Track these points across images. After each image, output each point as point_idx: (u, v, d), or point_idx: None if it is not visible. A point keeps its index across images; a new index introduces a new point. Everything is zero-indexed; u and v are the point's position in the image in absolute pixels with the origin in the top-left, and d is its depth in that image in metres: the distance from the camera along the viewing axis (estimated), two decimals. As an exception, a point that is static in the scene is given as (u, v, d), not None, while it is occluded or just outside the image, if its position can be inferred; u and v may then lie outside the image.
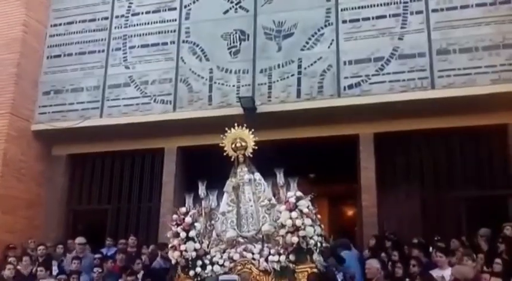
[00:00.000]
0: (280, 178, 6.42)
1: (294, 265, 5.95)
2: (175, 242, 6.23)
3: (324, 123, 9.45)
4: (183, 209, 6.45)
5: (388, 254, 7.56)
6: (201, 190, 6.72)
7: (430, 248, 7.59)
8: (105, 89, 10.58)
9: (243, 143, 6.82)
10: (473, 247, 7.23)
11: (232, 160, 6.88)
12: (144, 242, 9.58)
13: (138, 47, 10.65)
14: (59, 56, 11.14)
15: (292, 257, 5.96)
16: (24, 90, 10.67)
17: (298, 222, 5.86)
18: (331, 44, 9.56)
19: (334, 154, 9.82)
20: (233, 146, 6.85)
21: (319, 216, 6.37)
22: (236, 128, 6.87)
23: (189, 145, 10.42)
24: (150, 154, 10.75)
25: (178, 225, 6.29)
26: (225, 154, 6.82)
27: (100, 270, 8.11)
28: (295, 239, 5.86)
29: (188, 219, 6.27)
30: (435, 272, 6.64)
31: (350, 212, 13.97)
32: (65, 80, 10.91)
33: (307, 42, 9.69)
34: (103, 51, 10.85)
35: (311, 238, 5.96)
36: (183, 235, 6.17)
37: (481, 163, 9.17)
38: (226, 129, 6.85)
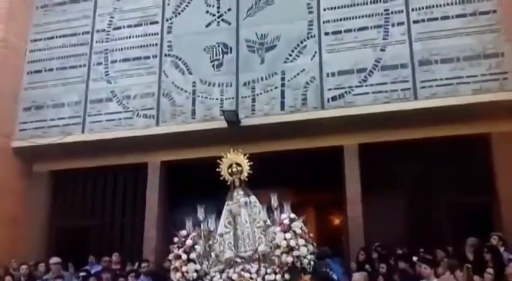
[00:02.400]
0: (275, 201, 6.78)
1: None
2: (177, 263, 6.58)
3: (308, 135, 9.44)
4: (184, 232, 6.83)
5: (374, 266, 7.52)
6: (200, 213, 7.04)
7: (415, 259, 7.57)
8: (87, 104, 10.48)
9: (239, 168, 7.17)
10: (459, 257, 7.23)
11: (228, 183, 7.18)
12: (128, 259, 9.45)
13: (120, 61, 10.58)
14: (40, 71, 11.04)
15: (287, 276, 6.31)
16: (4, 106, 10.52)
17: (293, 243, 6.29)
18: (314, 56, 9.58)
19: (319, 165, 9.82)
20: (229, 170, 7.19)
21: (311, 234, 6.68)
22: (232, 152, 7.19)
23: (173, 159, 10.33)
24: (133, 169, 10.61)
25: (179, 248, 6.67)
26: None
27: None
28: (289, 259, 6.25)
29: (189, 242, 6.65)
30: (420, 284, 6.62)
31: (337, 221, 13.93)
32: (45, 95, 10.81)
33: (290, 55, 9.70)
34: (84, 65, 10.77)
35: (305, 257, 6.32)
36: (184, 257, 6.55)
37: (465, 172, 9.20)
38: (222, 154, 7.17)
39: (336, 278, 7.63)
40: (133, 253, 9.93)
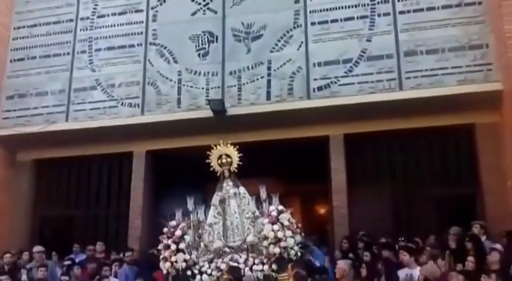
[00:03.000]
0: (263, 193, 6.92)
1: (276, 274, 6.46)
2: (167, 253, 6.71)
3: (294, 125, 9.44)
4: (173, 223, 6.93)
5: (359, 255, 7.59)
6: (190, 204, 7.13)
7: (397, 247, 7.66)
8: (71, 93, 10.37)
9: (229, 159, 7.27)
10: (443, 246, 7.31)
11: (218, 175, 7.28)
12: (113, 248, 9.43)
13: (104, 49, 10.46)
14: (23, 59, 10.88)
15: (274, 266, 6.47)
16: (-14, 95, 10.36)
17: (280, 234, 6.44)
18: (300, 46, 9.55)
19: (305, 155, 9.84)
20: (219, 161, 7.28)
21: (299, 225, 6.82)
22: (221, 144, 7.26)
23: (158, 149, 10.29)
24: (118, 158, 10.56)
25: (168, 238, 6.79)
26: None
27: (67, 278, 7.91)
28: (277, 250, 6.42)
29: (178, 232, 6.75)
30: (404, 271, 6.69)
31: (322, 211, 14.01)
32: (29, 83, 10.66)
33: (276, 44, 9.67)
34: (68, 54, 10.64)
35: (292, 248, 6.47)
36: (173, 247, 6.67)
37: (449, 162, 9.28)
38: (208, 144, 7.28)
39: (317, 264, 7.77)
40: (118, 242, 9.91)
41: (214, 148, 7.30)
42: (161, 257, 6.85)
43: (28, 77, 10.70)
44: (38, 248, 8.96)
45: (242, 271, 6.58)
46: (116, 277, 8.14)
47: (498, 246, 6.69)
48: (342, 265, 6.70)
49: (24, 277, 8.28)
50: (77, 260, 9.00)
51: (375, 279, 6.56)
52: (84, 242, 9.74)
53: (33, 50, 10.87)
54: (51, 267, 8.64)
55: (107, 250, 9.32)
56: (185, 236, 6.82)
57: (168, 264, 6.70)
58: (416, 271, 6.54)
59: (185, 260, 6.69)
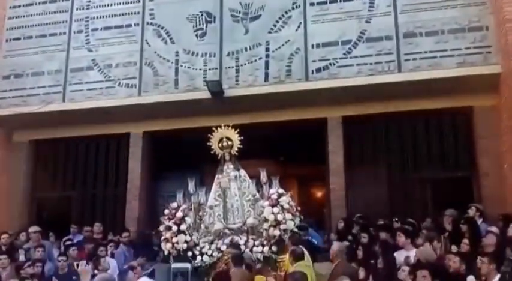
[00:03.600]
0: (264, 176, 7.08)
1: (276, 255, 6.66)
2: (168, 235, 6.93)
3: (292, 106, 9.42)
4: (174, 204, 7.12)
5: (356, 237, 7.62)
6: (191, 186, 7.32)
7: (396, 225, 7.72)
8: (67, 73, 10.26)
9: (229, 142, 7.42)
10: (439, 228, 7.35)
11: (219, 157, 7.46)
12: (111, 229, 9.46)
13: (101, 29, 10.34)
14: (19, 39, 10.73)
15: (274, 248, 6.67)
16: (-18, 74, 10.27)
17: (280, 217, 6.61)
18: (298, 27, 9.45)
19: (303, 137, 9.83)
20: (220, 144, 7.44)
21: (299, 208, 6.99)
22: (223, 127, 7.43)
23: (156, 130, 10.28)
24: (116, 139, 10.53)
25: (170, 219, 6.99)
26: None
27: (64, 258, 7.94)
28: (277, 232, 6.60)
29: (179, 214, 6.95)
30: (401, 254, 6.73)
31: (319, 193, 14.06)
32: (25, 63, 10.53)
33: (274, 25, 9.56)
34: (64, 33, 10.51)
35: (291, 230, 6.68)
36: (174, 228, 6.87)
37: (447, 144, 9.28)
38: (212, 127, 7.43)
39: (315, 242, 7.87)
40: (115, 223, 9.94)
41: (216, 131, 7.39)
42: (162, 238, 7.04)
43: (24, 57, 10.58)
44: (34, 228, 9.00)
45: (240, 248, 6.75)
46: (112, 257, 8.16)
47: (494, 229, 6.72)
48: (335, 246, 6.71)
49: (22, 257, 8.33)
50: (74, 241, 9.03)
51: (372, 261, 6.59)
52: (82, 223, 9.77)
53: (29, 29, 10.73)
54: (48, 247, 8.68)
55: (104, 231, 9.35)
56: (186, 218, 6.98)
57: (169, 245, 6.90)
58: (413, 253, 6.59)
59: (186, 242, 6.86)
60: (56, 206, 10.98)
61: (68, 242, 8.77)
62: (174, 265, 6.73)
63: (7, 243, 8.65)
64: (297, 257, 6.12)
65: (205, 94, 9.32)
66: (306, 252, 6.32)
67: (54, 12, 10.68)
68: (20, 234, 9.21)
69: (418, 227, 7.71)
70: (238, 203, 7.23)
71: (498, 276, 5.29)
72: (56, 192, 10.92)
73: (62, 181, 10.90)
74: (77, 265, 7.20)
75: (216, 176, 7.44)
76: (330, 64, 9.17)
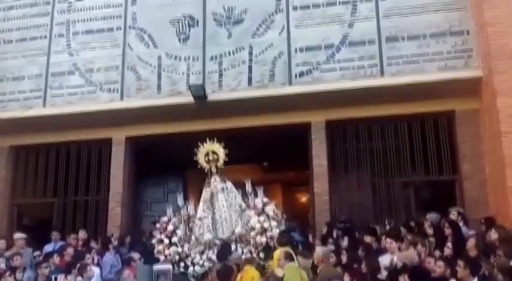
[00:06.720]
0: (249, 187, 7.62)
1: (263, 262, 6.99)
2: (160, 247, 7.41)
3: (275, 111, 9.38)
4: (165, 218, 7.62)
5: (338, 241, 7.61)
6: (180, 199, 7.89)
7: (378, 231, 7.71)
8: (48, 77, 10.16)
9: (215, 156, 7.88)
10: (422, 232, 7.35)
11: (205, 171, 7.93)
12: (93, 236, 9.32)
13: (83, 33, 10.26)
14: (-1, 43, 10.59)
15: (262, 254, 7.10)
16: (-39, 79, 10.09)
17: (266, 225, 7.15)
18: (282, 31, 9.45)
19: (287, 142, 9.80)
20: (206, 158, 7.91)
21: (284, 216, 7.63)
22: (208, 142, 7.94)
23: (138, 135, 10.14)
24: (97, 144, 10.39)
25: (161, 233, 7.51)
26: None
27: (46, 265, 7.78)
28: (263, 239, 7.11)
29: (170, 227, 7.47)
30: (386, 258, 6.71)
31: (303, 198, 14.04)
32: (5, 68, 10.43)
33: (258, 29, 9.56)
34: (45, 37, 10.40)
35: (279, 232, 7.20)
36: (166, 241, 7.39)
37: (429, 148, 9.31)
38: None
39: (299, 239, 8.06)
40: (98, 231, 9.79)
41: (201, 146, 7.81)
42: (155, 251, 7.48)
43: (4, 61, 10.47)
44: (19, 235, 8.80)
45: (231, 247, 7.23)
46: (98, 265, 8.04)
47: (471, 232, 6.79)
48: (319, 251, 6.69)
49: (2, 265, 8.14)
50: (56, 248, 8.87)
51: (355, 265, 6.56)
52: (64, 229, 9.62)
53: (9, 33, 10.63)
54: (27, 254, 8.48)
55: (87, 239, 9.22)
56: (177, 231, 7.45)
57: (162, 257, 7.35)
58: (396, 257, 6.57)
59: (178, 253, 7.33)
60: (37, 213, 10.80)
61: (38, 252, 8.65)
62: (156, 267, 7.01)
63: (-14, 251, 8.46)
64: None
65: (188, 99, 9.27)
66: (294, 254, 6.45)
67: (35, 16, 10.57)
68: (-1, 241, 9.02)
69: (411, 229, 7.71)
70: (226, 214, 7.59)
71: (475, 280, 5.32)
72: (37, 198, 10.74)
73: (42, 187, 10.70)
74: (55, 279, 7.10)
75: (204, 189, 7.82)
76: (313, 68, 9.19)
